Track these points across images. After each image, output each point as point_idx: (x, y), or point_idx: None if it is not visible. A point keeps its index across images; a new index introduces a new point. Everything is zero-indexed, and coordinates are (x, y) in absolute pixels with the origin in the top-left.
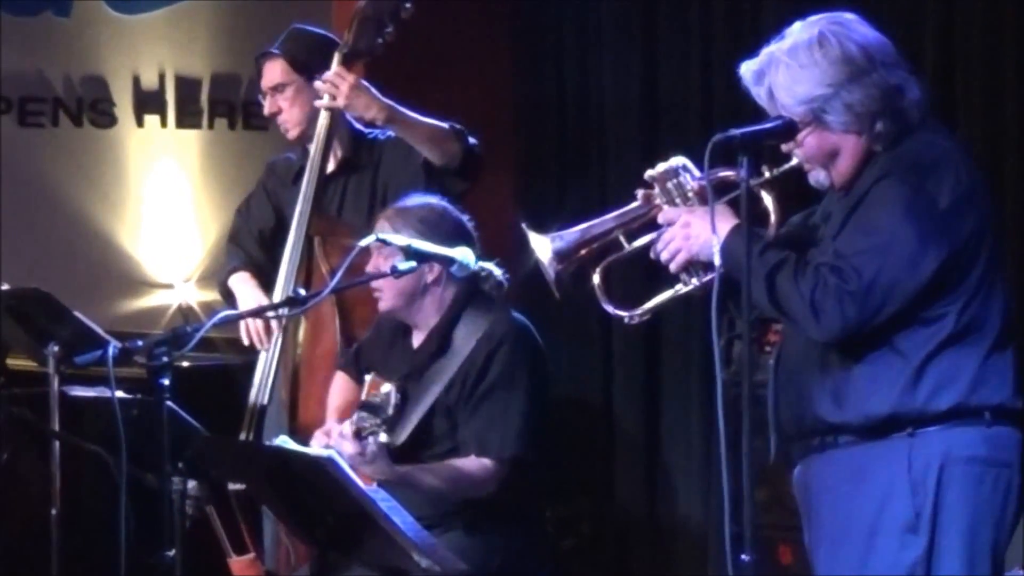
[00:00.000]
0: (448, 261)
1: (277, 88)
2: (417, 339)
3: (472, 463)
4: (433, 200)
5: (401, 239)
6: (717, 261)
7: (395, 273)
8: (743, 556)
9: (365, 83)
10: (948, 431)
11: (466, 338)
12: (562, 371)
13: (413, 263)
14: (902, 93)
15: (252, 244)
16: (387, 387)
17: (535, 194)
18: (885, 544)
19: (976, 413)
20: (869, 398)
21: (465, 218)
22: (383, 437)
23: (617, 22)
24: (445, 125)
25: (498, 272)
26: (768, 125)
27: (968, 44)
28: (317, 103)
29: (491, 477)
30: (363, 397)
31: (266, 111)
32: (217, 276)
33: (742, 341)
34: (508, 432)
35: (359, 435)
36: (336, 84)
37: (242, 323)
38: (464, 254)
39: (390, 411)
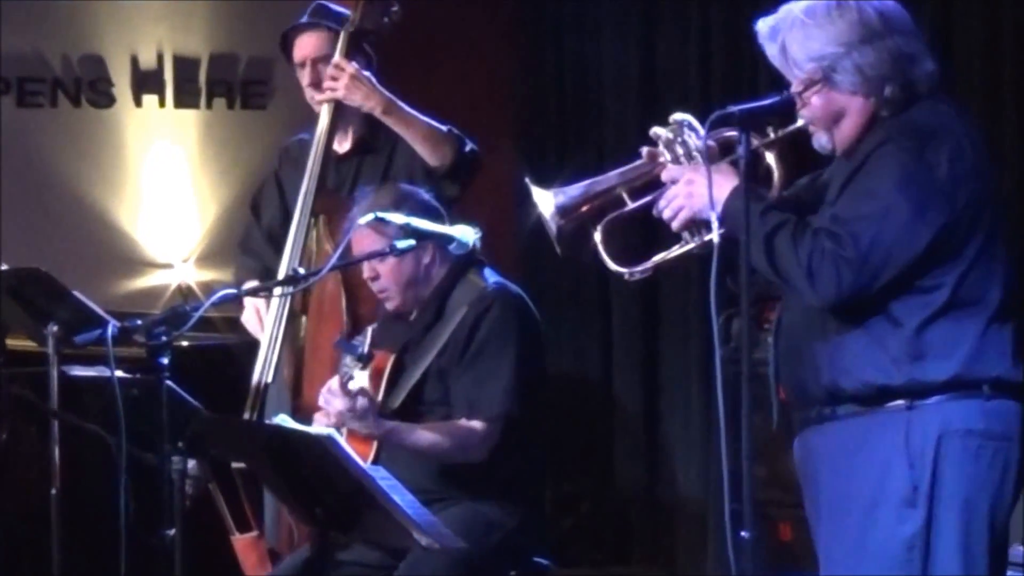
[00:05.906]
0: (447, 239)
1: (320, 59)
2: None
3: (462, 425)
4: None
5: (399, 217)
6: (715, 225)
7: (394, 251)
8: (743, 533)
9: (365, 73)
10: (946, 404)
11: (458, 304)
12: (561, 349)
13: (412, 241)
14: (915, 62)
15: (263, 246)
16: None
17: (535, 168)
18: (884, 517)
19: (974, 386)
20: (866, 366)
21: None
22: (357, 373)
23: None
24: (443, 127)
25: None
26: (766, 102)
27: (967, 21)
28: (319, 96)
29: (482, 439)
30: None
31: (306, 82)
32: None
33: (741, 317)
34: (496, 390)
35: (346, 386)
36: (335, 75)
37: (254, 319)
38: (463, 232)
39: (364, 349)
